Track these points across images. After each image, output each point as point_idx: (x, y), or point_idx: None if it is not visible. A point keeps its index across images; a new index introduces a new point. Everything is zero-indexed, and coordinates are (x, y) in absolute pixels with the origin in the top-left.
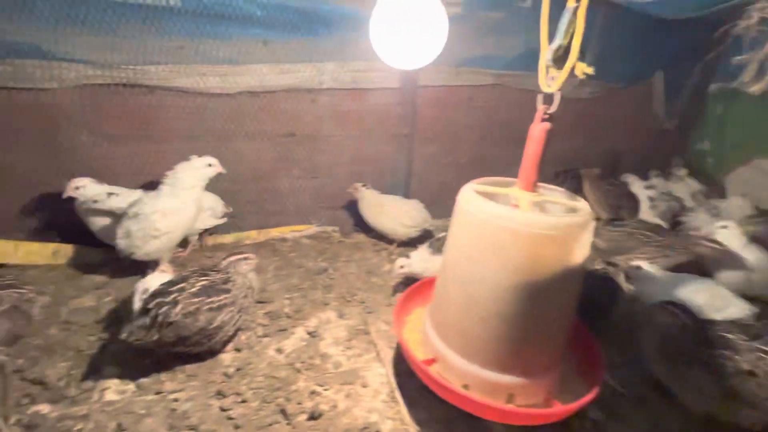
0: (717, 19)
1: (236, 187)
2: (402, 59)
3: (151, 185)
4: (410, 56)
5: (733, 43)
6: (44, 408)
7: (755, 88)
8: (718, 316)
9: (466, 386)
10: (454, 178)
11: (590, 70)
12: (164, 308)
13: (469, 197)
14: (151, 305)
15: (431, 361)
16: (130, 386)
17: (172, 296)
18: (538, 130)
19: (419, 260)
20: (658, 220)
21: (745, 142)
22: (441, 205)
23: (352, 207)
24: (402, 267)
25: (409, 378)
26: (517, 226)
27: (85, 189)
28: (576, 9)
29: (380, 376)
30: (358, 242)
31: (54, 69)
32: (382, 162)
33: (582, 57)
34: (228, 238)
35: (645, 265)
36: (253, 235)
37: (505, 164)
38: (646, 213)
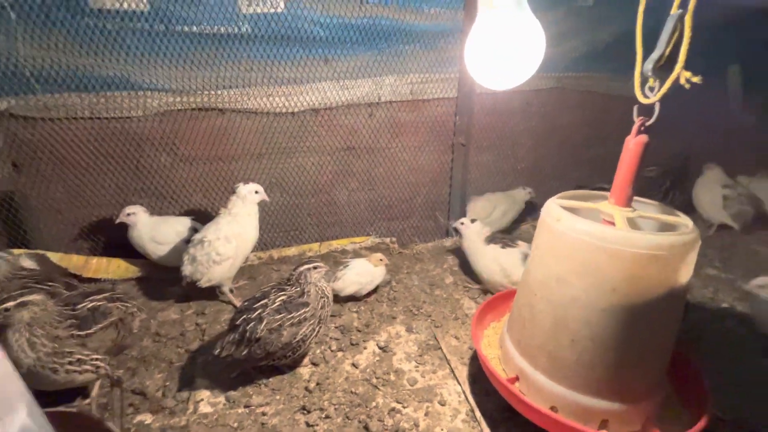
0: None
1: (298, 200)
2: (499, 80)
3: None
4: (507, 77)
5: None
6: (147, 418)
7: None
8: None
9: (553, 408)
10: (511, 185)
11: (696, 79)
12: (251, 324)
13: (558, 214)
14: (238, 321)
15: (514, 380)
16: (221, 399)
17: (257, 312)
18: (634, 143)
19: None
20: (729, 221)
21: None
22: None
23: (409, 217)
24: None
25: (486, 397)
26: (614, 245)
27: (136, 216)
28: (682, 15)
29: (457, 394)
30: (417, 253)
31: (139, 98)
32: (437, 172)
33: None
34: (291, 251)
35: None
36: (315, 247)
37: (564, 169)
38: (719, 212)
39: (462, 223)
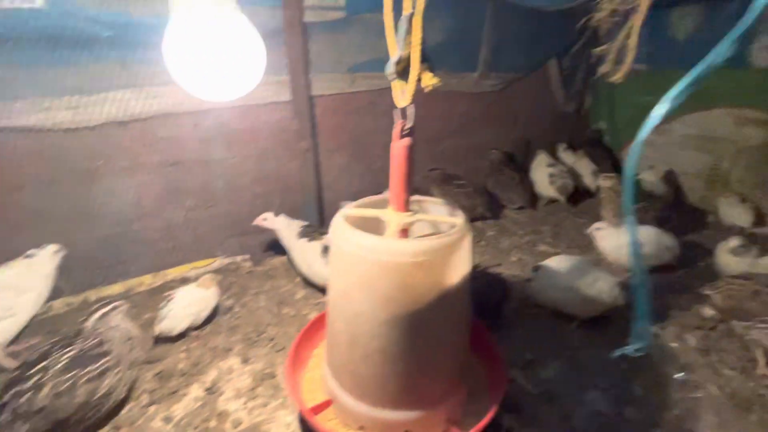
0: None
1: (118, 229)
2: (214, 91)
3: None
4: (223, 87)
5: (607, 32)
6: None
7: (616, 77)
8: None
9: (362, 428)
10: (369, 185)
11: (436, 81)
12: (25, 397)
13: (337, 227)
14: (6, 398)
15: (327, 404)
16: None
17: (33, 381)
18: (397, 148)
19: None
20: (557, 195)
21: (632, 119)
22: None
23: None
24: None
25: None
26: (380, 256)
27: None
28: (411, 17)
29: (287, 425)
30: (271, 269)
31: None
32: (287, 179)
33: (428, 67)
34: (116, 288)
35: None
36: (147, 281)
37: (419, 164)
38: (547, 189)
39: (265, 219)
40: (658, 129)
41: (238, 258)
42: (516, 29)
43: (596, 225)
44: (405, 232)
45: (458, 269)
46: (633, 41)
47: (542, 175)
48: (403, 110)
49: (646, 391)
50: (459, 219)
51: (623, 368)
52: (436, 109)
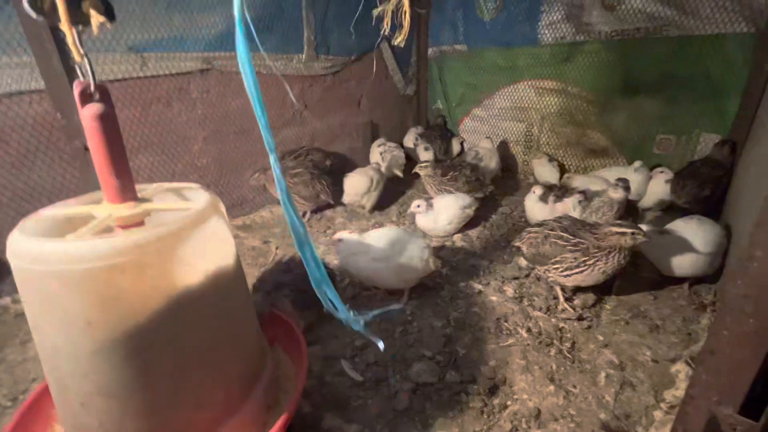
0: None
1: None
2: None
3: None
4: None
5: (437, 5)
6: None
7: (397, 41)
8: None
9: None
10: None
11: (102, 19)
12: None
13: (12, 240)
14: None
15: None
16: None
17: None
18: (86, 119)
19: None
20: (390, 171)
21: (463, 96)
22: None
23: None
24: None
25: None
26: (57, 266)
27: None
28: None
29: None
30: None
31: None
32: (64, 190)
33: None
34: None
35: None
36: None
37: (255, 156)
38: (383, 166)
39: None
40: (483, 104)
41: None
42: (338, 8)
43: (415, 203)
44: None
45: (200, 264)
46: (406, 2)
47: (375, 154)
48: (79, 66)
49: (468, 350)
50: (196, 204)
51: (447, 332)
52: (264, 96)
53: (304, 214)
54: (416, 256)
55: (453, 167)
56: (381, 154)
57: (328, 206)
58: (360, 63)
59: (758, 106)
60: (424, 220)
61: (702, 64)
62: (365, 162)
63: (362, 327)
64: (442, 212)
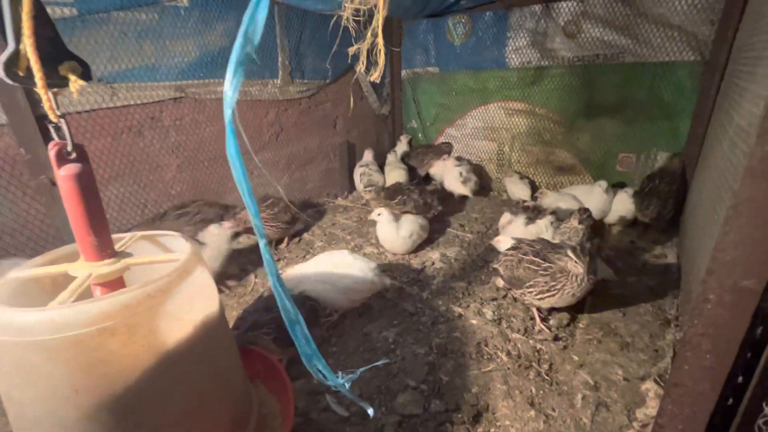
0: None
1: None
2: None
3: None
4: None
5: (409, 30)
6: None
7: (373, 77)
8: None
9: None
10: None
11: (82, 82)
12: None
13: None
14: None
15: None
16: None
17: None
18: (62, 179)
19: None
20: (368, 192)
21: (436, 116)
22: None
23: None
24: None
25: None
26: (41, 337)
27: None
28: None
29: None
30: None
31: None
32: (28, 226)
33: (71, 67)
34: None
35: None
36: None
37: (228, 181)
38: (359, 186)
39: None
40: (456, 125)
41: None
42: (312, 34)
43: (377, 211)
44: (114, 286)
45: (188, 317)
46: (380, 41)
47: (357, 175)
48: (55, 127)
49: (451, 377)
50: (182, 255)
51: (430, 360)
52: (241, 119)
53: (281, 241)
54: (360, 276)
55: (400, 191)
56: (361, 175)
57: (305, 230)
58: (335, 85)
59: (707, 126)
60: (386, 230)
61: (656, 88)
62: (345, 183)
63: (350, 392)
64: (404, 224)
